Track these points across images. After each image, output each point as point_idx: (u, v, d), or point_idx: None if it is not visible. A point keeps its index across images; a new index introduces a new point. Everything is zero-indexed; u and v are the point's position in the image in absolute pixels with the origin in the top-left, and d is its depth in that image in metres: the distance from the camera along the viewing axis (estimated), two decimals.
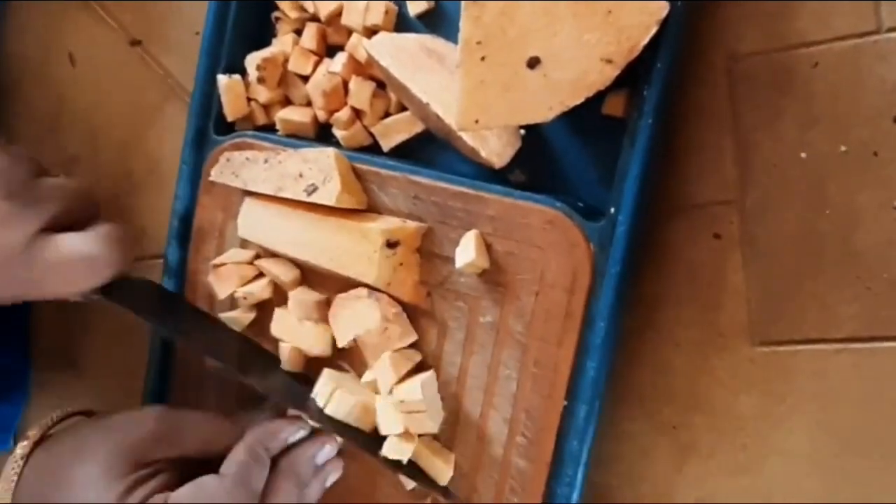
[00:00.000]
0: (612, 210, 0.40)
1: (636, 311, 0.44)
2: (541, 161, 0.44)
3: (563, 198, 0.42)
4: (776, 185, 0.41)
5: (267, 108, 0.51)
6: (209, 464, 0.46)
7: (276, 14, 0.51)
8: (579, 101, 0.38)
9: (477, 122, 0.39)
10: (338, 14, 0.48)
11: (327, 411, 0.45)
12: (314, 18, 0.50)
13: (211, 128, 0.51)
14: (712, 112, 0.42)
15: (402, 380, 0.44)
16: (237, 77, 0.50)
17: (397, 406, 0.44)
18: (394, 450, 0.44)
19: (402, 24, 0.48)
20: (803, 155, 0.40)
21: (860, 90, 0.39)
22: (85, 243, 0.44)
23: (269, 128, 0.51)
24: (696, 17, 0.41)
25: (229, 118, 0.51)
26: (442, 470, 0.44)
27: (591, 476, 0.42)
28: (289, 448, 0.47)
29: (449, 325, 0.44)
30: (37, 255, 0.43)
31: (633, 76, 0.39)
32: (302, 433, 0.47)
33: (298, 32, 0.50)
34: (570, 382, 0.41)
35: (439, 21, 0.47)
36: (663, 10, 0.37)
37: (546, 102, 0.38)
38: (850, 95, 0.39)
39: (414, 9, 0.47)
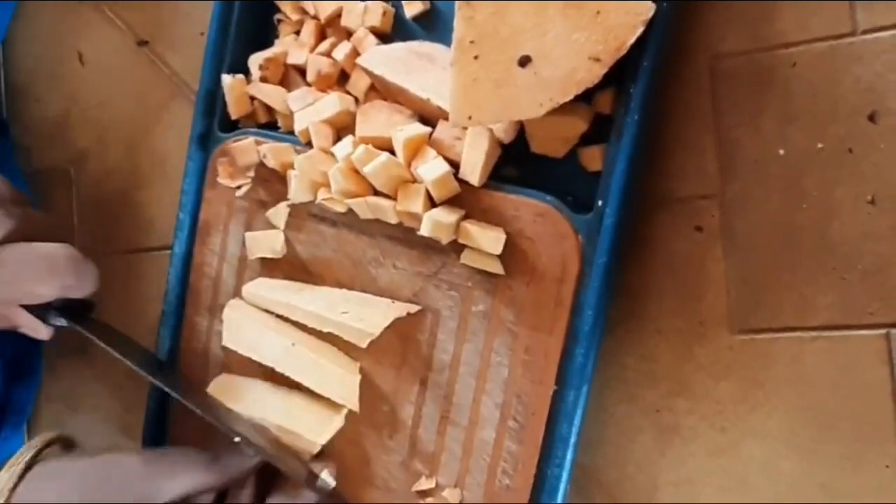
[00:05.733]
0: (600, 203, 0.41)
1: (621, 300, 0.45)
2: (531, 156, 0.46)
3: (552, 191, 0.43)
4: (755, 180, 0.42)
5: (269, 106, 0.52)
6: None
7: (277, 16, 0.53)
8: (568, 98, 0.39)
9: (470, 118, 0.41)
10: (337, 16, 0.50)
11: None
12: (315, 20, 0.51)
13: (215, 125, 0.53)
14: (695, 109, 0.43)
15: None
16: (241, 76, 0.52)
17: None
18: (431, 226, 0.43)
19: (398, 25, 0.49)
20: (782, 151, 0.42)
21: (837, 89, 0.40)
22: (46, 246, 0.47)
23: (272, 125, 0.52)
24: (680, 19, 0.43)
25: (233, 116, 0.52)
26: (495, 239, 0.43)
27: (578, 458, 0.44)
28: None
29: (442, 314, 0.46)
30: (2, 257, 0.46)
31: (620, 74, 0.40)
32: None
33: (300, 34, 0.51)
34: (559, 368, 0.43)
35: (434, 22, 0.48)
36: (649, 10, 0.38)
37: (537, 99, 0.39)
38: (827, 94, 0.40)
39: (410, 10, 0.48)
